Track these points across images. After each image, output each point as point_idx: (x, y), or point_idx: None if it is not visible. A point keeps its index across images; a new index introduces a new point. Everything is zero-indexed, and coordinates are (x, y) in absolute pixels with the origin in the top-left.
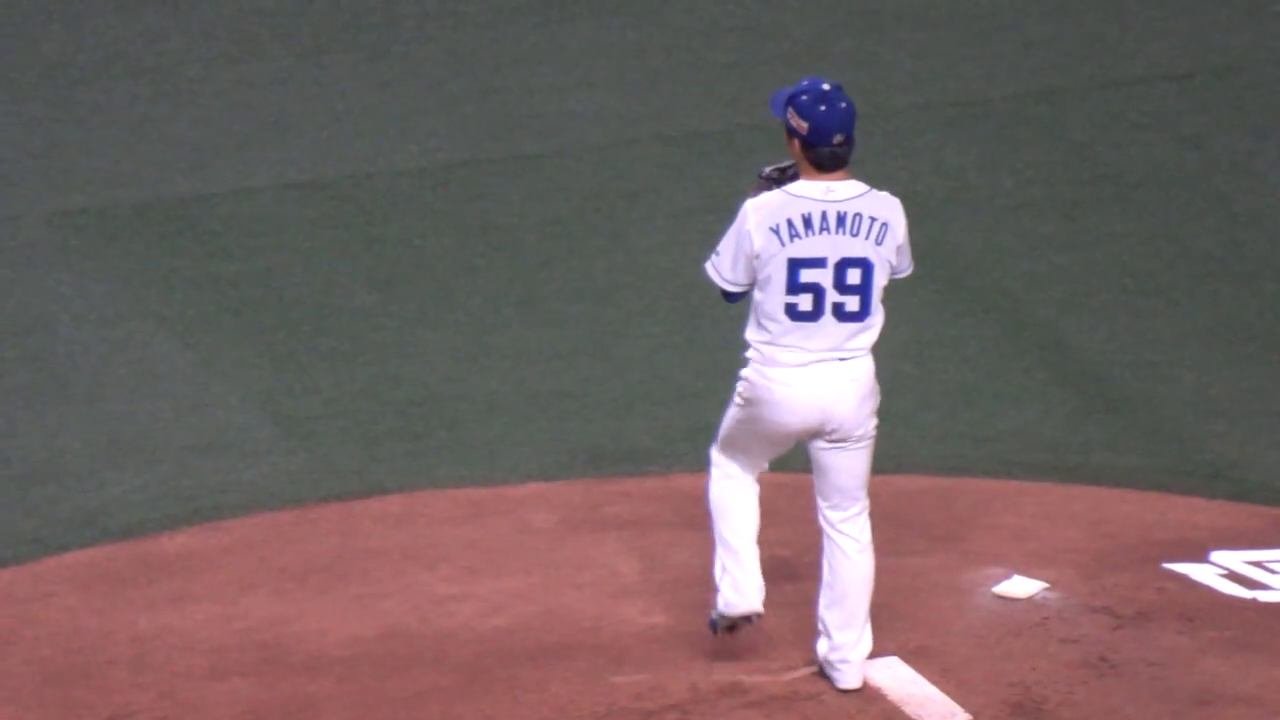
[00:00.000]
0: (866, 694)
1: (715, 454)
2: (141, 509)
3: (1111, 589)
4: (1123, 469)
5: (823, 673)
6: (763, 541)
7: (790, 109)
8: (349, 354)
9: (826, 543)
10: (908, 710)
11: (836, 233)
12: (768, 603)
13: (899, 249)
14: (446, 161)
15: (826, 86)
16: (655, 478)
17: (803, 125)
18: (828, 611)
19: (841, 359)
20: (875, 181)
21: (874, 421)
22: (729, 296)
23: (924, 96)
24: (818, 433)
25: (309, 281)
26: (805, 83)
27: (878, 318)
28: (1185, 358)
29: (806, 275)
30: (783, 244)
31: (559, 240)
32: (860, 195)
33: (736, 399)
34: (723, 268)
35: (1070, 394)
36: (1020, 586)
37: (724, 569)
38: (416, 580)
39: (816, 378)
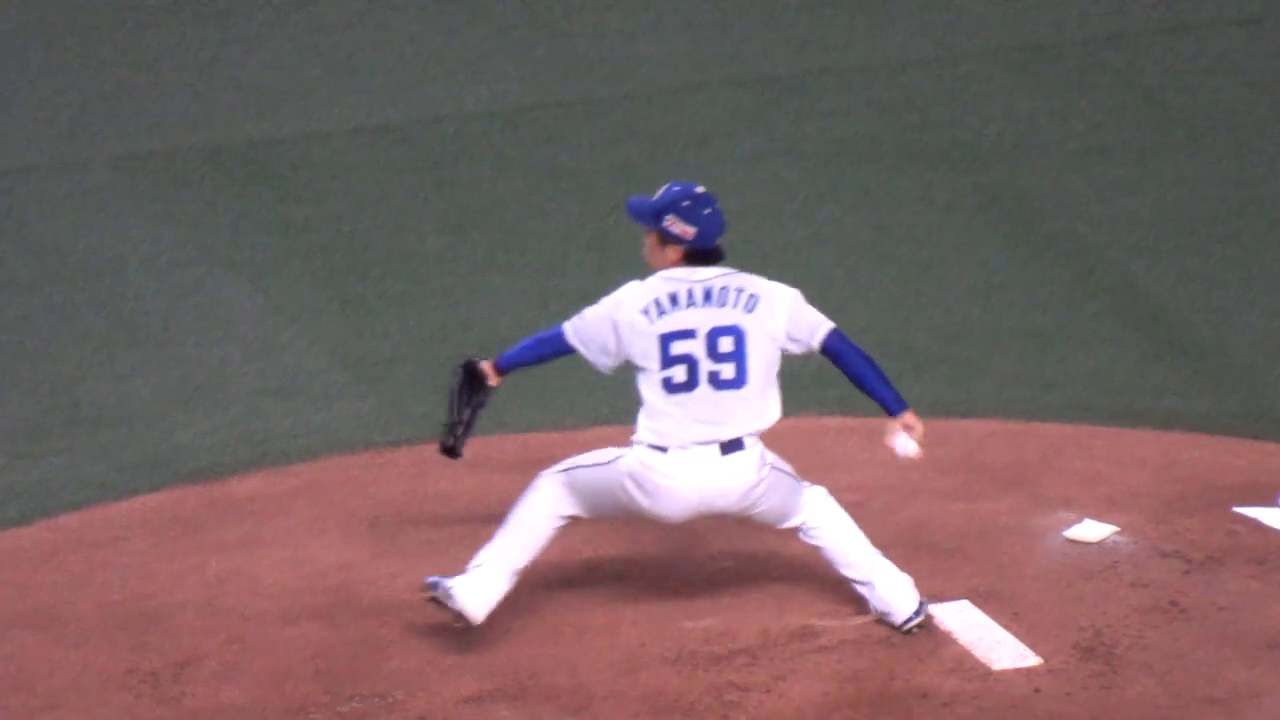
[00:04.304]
0: (937, 637)
1: (556, 486)
2: (211, 453)
3: (1182, 533)
4: (1193, 413)
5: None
6: (831, 486)
7: (671, 217)
8: (419, 298)
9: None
10: (978, 654)
11: (704, 305)
12: None
13: (792, 318)
14: (516, 105)
15: (700, 190)
16: None
17: (689, 231)
18: (844, 575)
19: (725, 447)
20: (943, 127)
21: (770, 478)
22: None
23: (994, 41)
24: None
25: (378, 225)
26: (675, 188)
27: (766, 396)
28: (1255, 302)
29: (678, 347)
30: (651, 321)
31: (629, 184)
32: (725, 274)
33: (616, 470)
34: (582, 329)
35: (1140, 338)
36: (1091, 531)
37: (482, 567)
38: (487, 524)
39: (698, 470)
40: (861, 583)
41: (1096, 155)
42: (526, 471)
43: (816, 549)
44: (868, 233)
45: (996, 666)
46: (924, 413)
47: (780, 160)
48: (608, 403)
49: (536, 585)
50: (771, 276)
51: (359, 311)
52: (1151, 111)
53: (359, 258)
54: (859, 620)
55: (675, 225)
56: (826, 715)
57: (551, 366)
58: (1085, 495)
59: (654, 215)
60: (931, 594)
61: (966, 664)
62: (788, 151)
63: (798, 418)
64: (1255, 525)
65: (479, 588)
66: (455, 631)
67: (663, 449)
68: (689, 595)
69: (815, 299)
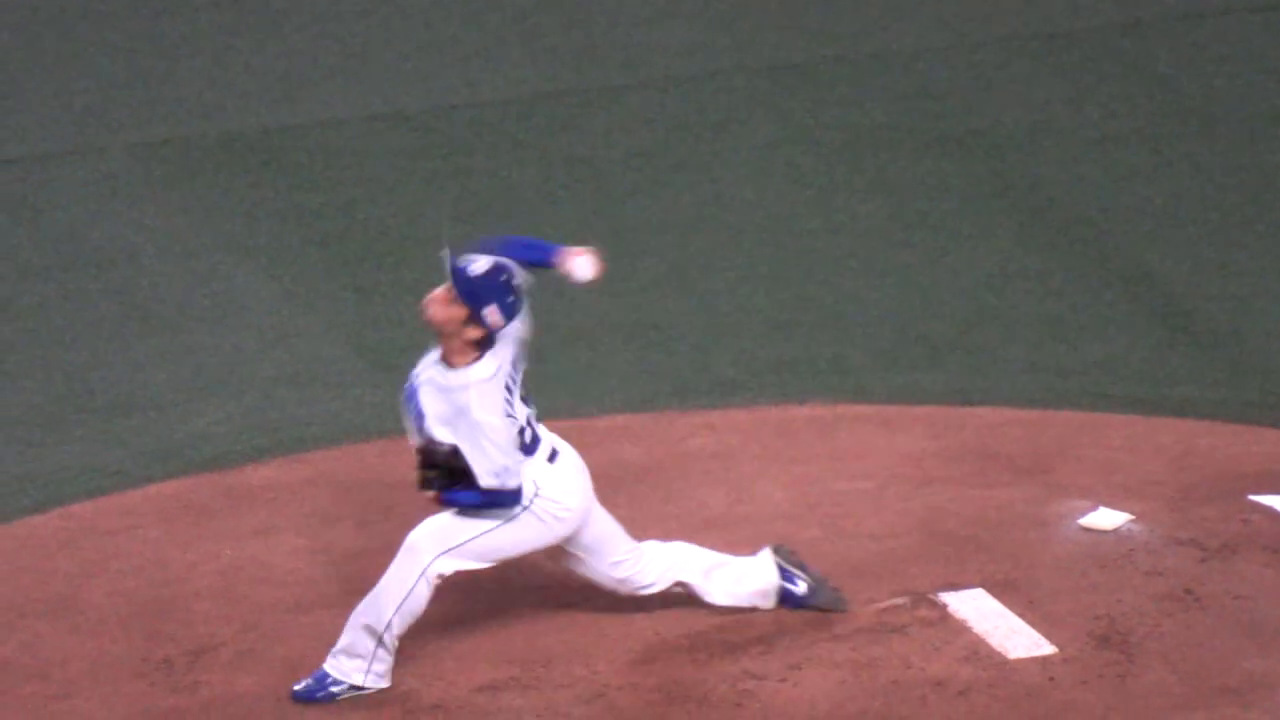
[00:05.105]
0: (951, 626)
1: (440, 566)
2: (225, 441)
3: (1197, 521)
4: (1208, 401)
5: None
6: (846, 474)
7: (493, 307)
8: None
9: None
10: (993, 642)
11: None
12: (855, 534)
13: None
14: (531, 93)
15: (517, 280)
16: (740, 409)
17: (500, 322)
18: (745, 595)
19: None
20: (958, 115)
21: None
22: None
23: (1009, 29)
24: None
25: (393, 213)
26: (501, 278)
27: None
28: (1270, 290)
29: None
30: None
31: (643, 172)
32: (509, 364)
33: (525, 523)
34: (510, 456)
35: (1155, 326)
36: (1106, 519)
37: (376, 653)
38: None
39: (575, 456)
40: (741, 579)
41: (1111, 143)
42: None
43: (685, 586)
44: (883, 220)
45: (1011, 655)
46: (938, 400)
47: (795, 148)
48: (621, 390)
49: (550, 575)
50: (787, 265)
51: (374, 299)
52: (1166, 99)
53: (373, 245)
54: (875, 608)
55: (492, 315)
56: (841, 704)
57: (559, 356)
58: (1100, 483)
59: (479, 301)
60: (946, 582)
61: (981, 652)
62: (803, 139)
63: (810, 406)
64: (1270, 513)
65: (384, 667)
66: (469, 620)
67: (554, 454)
68: None
69: (830, 286)
